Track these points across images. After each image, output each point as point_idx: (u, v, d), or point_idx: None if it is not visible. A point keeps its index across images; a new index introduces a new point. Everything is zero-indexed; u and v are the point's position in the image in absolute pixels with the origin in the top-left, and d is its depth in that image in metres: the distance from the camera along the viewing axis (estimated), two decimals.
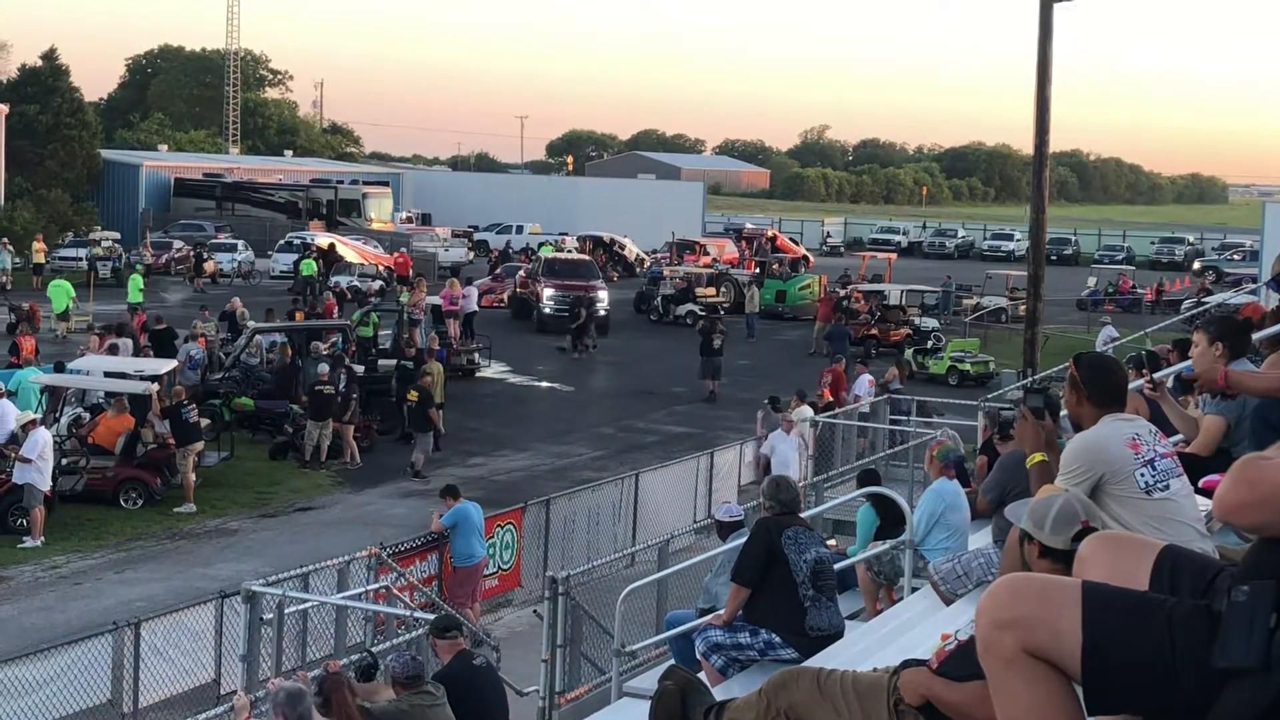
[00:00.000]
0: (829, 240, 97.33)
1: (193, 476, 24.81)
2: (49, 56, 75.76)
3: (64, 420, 25.73)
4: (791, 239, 74.04)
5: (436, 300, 41.78)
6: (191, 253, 60.02)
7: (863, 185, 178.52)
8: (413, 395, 28.32)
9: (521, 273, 53.33)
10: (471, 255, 70.25)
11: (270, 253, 61.67)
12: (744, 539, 10.64)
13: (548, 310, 47.56)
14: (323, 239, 54.58)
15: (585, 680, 13.32)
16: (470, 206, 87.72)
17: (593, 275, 50.25)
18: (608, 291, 49.72)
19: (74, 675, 13.69)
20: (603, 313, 47.45)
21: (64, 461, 23.99)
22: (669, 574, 13.40)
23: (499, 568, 20.44)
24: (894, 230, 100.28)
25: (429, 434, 28.41)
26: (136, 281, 44.86)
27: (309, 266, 52.98)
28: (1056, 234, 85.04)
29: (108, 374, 27.31)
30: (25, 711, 13.27)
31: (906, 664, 4.68)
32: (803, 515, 9.54)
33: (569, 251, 66.52)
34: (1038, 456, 5.91)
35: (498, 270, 58.28)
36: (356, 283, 51.98)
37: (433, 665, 10.23)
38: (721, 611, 9.08)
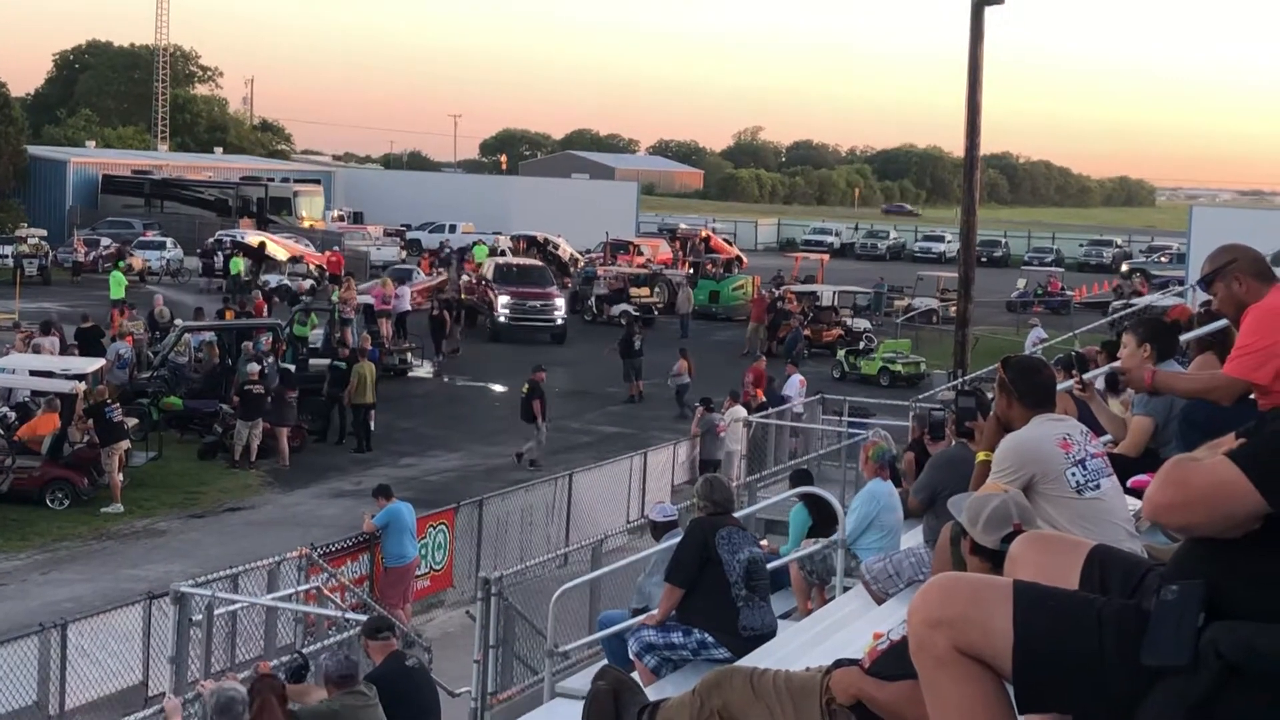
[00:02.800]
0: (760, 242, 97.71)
1: (120, 477, 24.55)
2: None
3: None
4: (725, 240, 74.21)
5: (368, 300, 41.58)
6: (115, 250, 59.40)
7: (796, 186, 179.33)
8: (525, 389, 29.19)
9: (467, 278, 52.02)
10: (404, 254, 69.88)
11: (199, 251, 61.17)
12: (677, 539, 10.67)
13: (502, 319, 46.35)
14: (253, 237, 54.17)
15: (518, 681, 13.29)
16: (403, 205, 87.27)
17: (546, 282, 49.16)
18: (564, 299, 48.81)
19: (0, 676, 13.53)
20: (560, 322, 46.89)
21: None
22: (602, 574, 13.40)
23: (431, 568, 20.36)
24: (826, 231, 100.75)
25: (539, 426, 28.87)
26: (119, 279, 44.44)
27: (236, 265, 52.61)
28: (987, 236, 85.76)
29: (33, 373, 26.99)
30: None
31: (839, 663, 4.70)
32: (736, 515, 9.56)
33: (504, 251, 66.34)
34: (983, 455, 5.96)
35: (441, 272, 56.80)
36: (287, 281, 51.62)
37: (365, 666, 10.16)
38: (655, 612, 9.08)
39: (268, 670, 9.32)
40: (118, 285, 43.80)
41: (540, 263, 54.83)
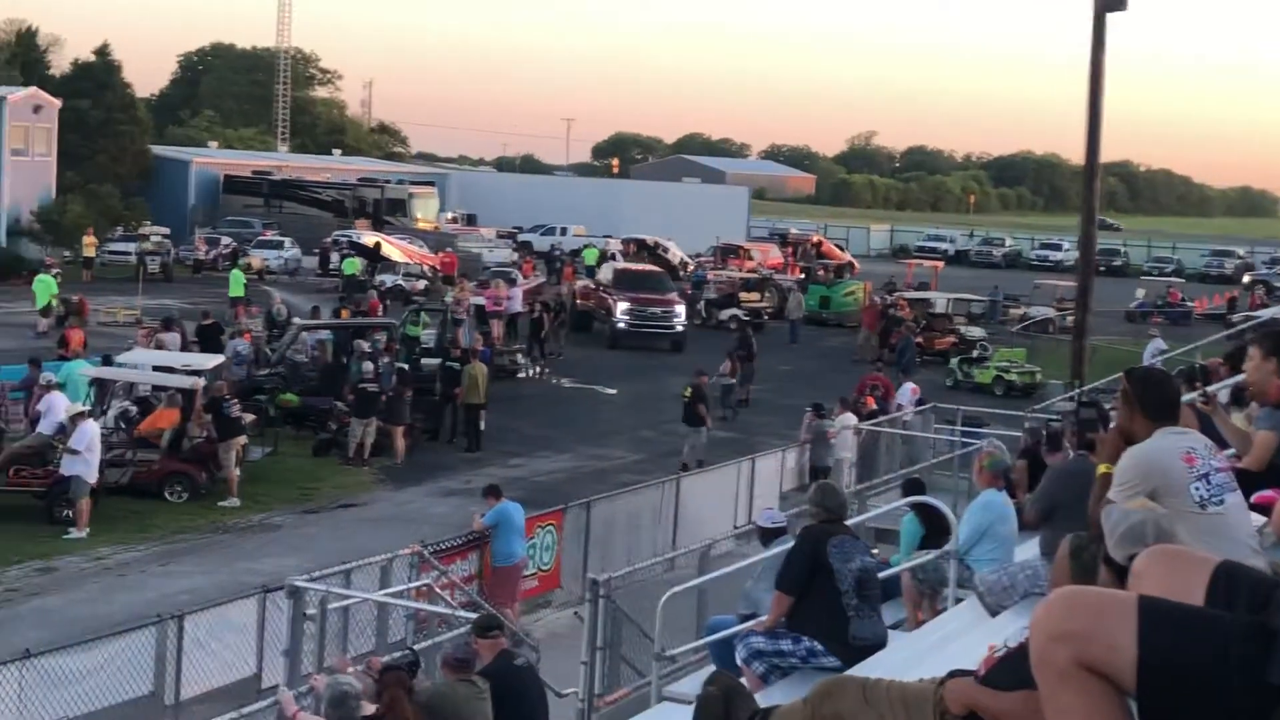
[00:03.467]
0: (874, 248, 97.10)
1: (236, 471, 24.96)
2: (102, 52, 76.34)
3: (111, 413, 25.92)
4: (837, 245, 73.90)
5: (480, 300, 41.88)
6: (232, 249, 60.53)
7: (909, 192, 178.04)
8: (686, 392, 29.09)
9: (582, 283, 51.37)
10: (516, 256, 70.34)
11: (315, 250, 62.02)
12: (785, 546, 10.63)
13: (621, 325, 45.21)
14: (369, 237, 54.76)
15: (625, 683, 13.31)
16: (515, 207, 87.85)
17: (667, 288, 47.88)
18: (684, 305, 47.68)
19: (118, 666, 13.78)
20: (680, 329, 45.80)
21: (111, 454, 24.18)
22: (710, 579, 13.36)
23: (539, 569, 20.45)
24: (940, 238, 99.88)
25: (700, 429, 28.99)
26: (238, 277, 45.39)
27: (351, 265, 53.28)
28: (1106, 245, 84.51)
29: (155, 368, 27.50)
30: (69, 701, 13.36)
31: (953, 674, 4.65)
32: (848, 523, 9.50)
33: (614, 255, 66.51)
34: (1104, 468, 5.87)
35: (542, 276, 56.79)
36: (401, 282, 52.14)
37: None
38: (764, 618, 9.06)
39: (378, 666, 9.41)
40: (237, 283, 44.66)
41: (660, 269, 53.90)
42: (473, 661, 9.55)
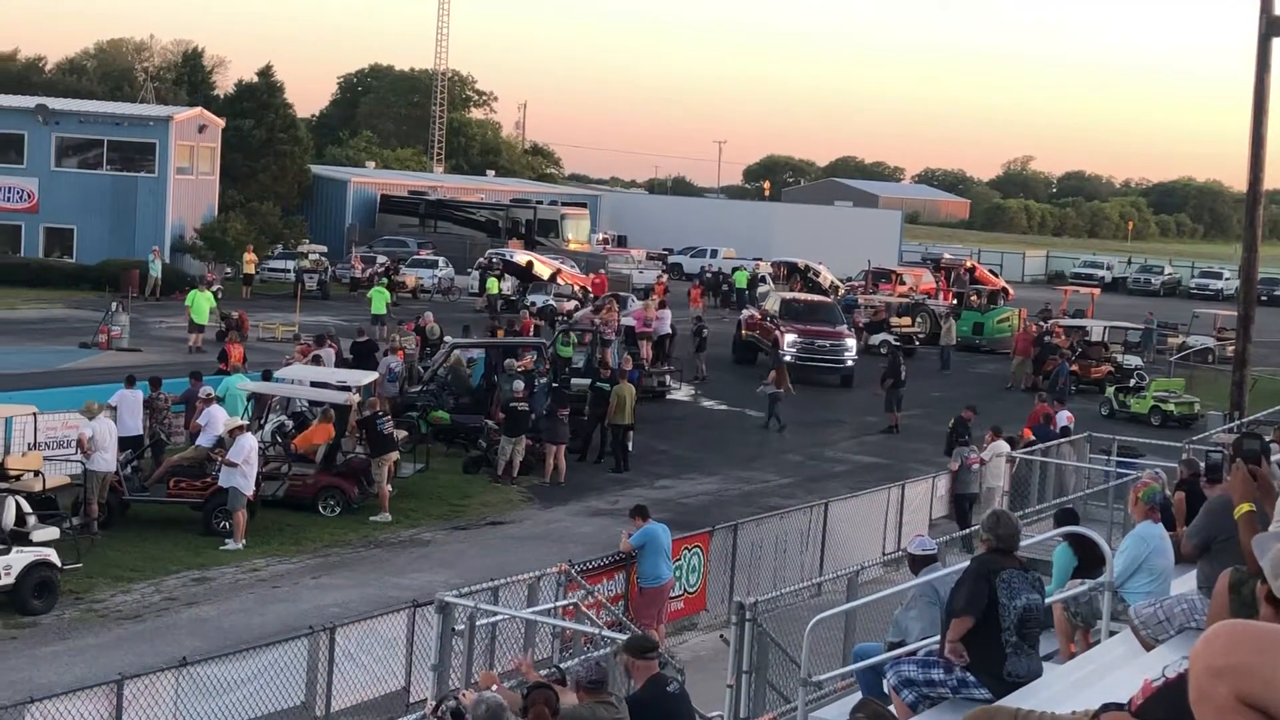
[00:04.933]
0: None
1: (388, 487, 25.34)
2: (265, 73, 78.22)
3: (268, 427, 26.48)
4: (991, 271, 72.92)
5: (630, 321, 42.06)
6: (385, 268, 61.53)
7: (1066, 218, 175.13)
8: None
9: (748, 312, 49.37)
10: (665, 278, 70.54)
11: (469, 270, 62.83)
12: (936, 574, 10.50)
13: (788, 358, 41.86)
14: (520, 256, 55.31)
15: (770, 708, 13.23)
16: (666, 229, 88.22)
17: (837, 320, 45.72)
18: (854, 339, 45.43)
19: (270, 676, 14.05)
20: (850, 363, 43.64)
21: (267, 467, 24.69)
22: (858, 605, 13.25)
23: (685, 590, 20.45)
24: (1097, 265, 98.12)
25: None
26: (382, 295, 46.15)
27: (494, 285, 53.88)
28: (1268, 274, 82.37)
29: (312, 384, 28.03)
30: (222, 710, 13.65)
31: (1106, 707, 4.56)
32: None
33: (764, 278, 66.32)
34: (1245, 507, 5.73)
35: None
36: (552, 302, 52.57)
37: (620, 685, 10.24)
38: (919, 644, 8.94)
39: (529, 667, 9.44)
40: (379, 301, 45.36)
41: (830, 299, 51.84)
42: (606, 682, 9.55)
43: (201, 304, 42.13)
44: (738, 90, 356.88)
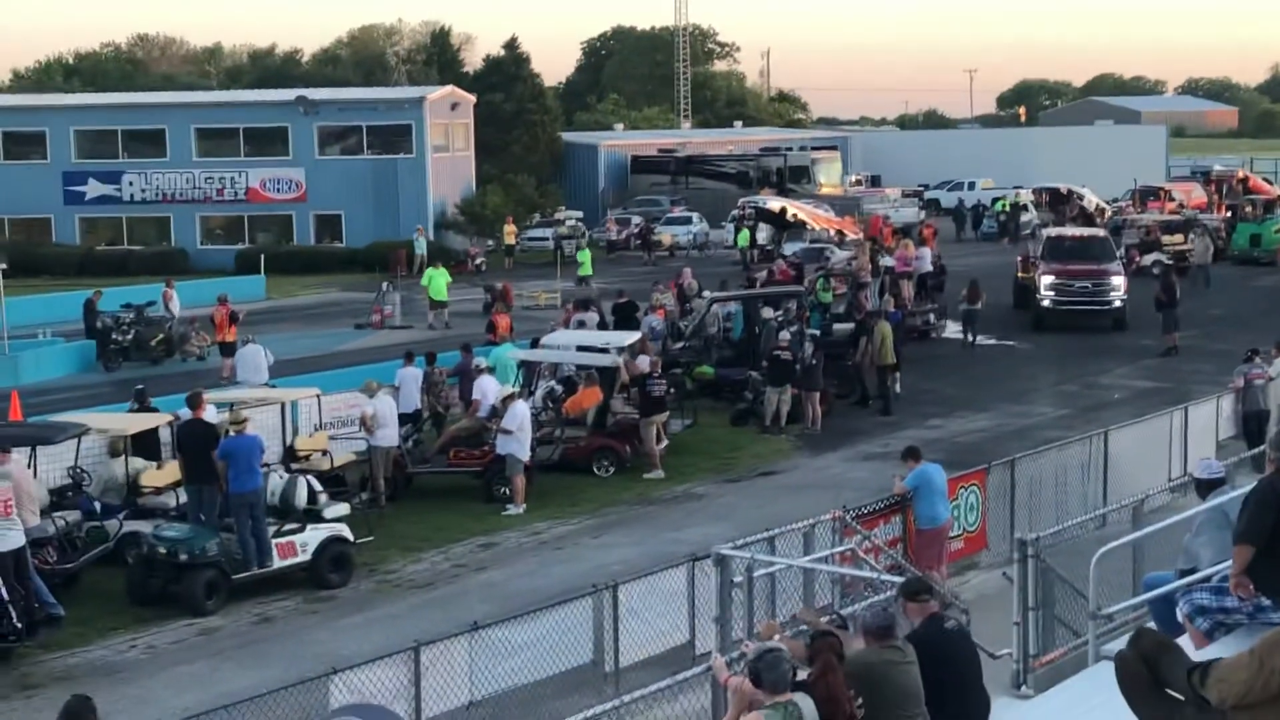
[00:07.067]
0: None
1: (660, 445, 25.58)
2: (510, 46, 79.53)
3: (539, 393, 26.99)
4: (1265, 179, 69.83)
5: (890, 262, 41.49)
6: (640, 228, 62.14)
7: None
8: None
9: (1023, 254, 44.77)
10: (923, 215, 69.39)
11: (723, 224, 62.86)
12: (1225, 497, 10.11)
13: (1045, 304, 39.54)
14: (773, 203, 55.05)
15: (1060, 643, 12.97)
16: (920, 165, 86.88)
17: (1106, 256, 40.85)
18: (1124, 278, 40.50)
19: (558, 636, 14.32)
20: (1118, 304, 39.64)
21: (540, 432, 25.19)
22: (1145, 535, 12.85)
23: (964, 530, 20.13)
24: None
25: None
26: (586, 256, 47.10)
27: (744, 237, 53.81)
28: None
29: (580, 348, 28.46)
30: (513, 671, 13.97)
31: None
32: None
33: (1026, 206, 64.73)
34: None
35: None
36: (810, 247, 52.13)
37: (903, 627, 10.14)
38: (1208, 570, 8.63)
39: (812, 618, 9.39)
40: (586, 262, 47.79)
41: (1102, 233, 46.10)
42: (893, 627, 9.46)
43: (439, 282, 42.58)
44: (985, 15, 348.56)
